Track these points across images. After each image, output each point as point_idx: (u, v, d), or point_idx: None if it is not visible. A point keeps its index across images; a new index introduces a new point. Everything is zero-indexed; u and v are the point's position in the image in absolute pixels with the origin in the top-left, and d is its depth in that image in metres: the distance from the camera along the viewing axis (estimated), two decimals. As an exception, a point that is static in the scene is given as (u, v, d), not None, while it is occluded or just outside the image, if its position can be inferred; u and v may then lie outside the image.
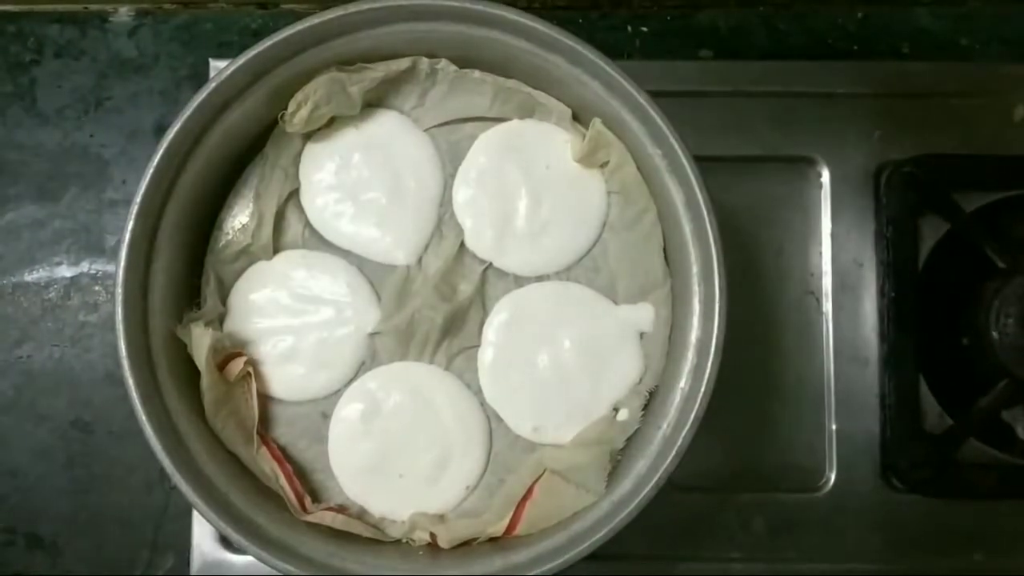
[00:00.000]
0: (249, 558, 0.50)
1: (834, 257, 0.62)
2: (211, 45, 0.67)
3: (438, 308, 0.48)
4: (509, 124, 0.51)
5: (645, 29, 0.66)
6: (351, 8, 0.47)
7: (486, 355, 0.50)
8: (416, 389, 0.49)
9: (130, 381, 0.45)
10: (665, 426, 0.46)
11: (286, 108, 0.49)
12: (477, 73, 0.51)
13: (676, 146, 0.46)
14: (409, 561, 0.47)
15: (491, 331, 0.50)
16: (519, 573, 0.44)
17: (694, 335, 0.47)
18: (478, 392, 0.50)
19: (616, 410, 0.49)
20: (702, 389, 0.45)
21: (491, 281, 0.50)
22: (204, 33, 0.67)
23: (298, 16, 0.47)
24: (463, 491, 0.48)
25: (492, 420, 0.50)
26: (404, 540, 0.48)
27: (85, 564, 0.64)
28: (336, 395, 0.50)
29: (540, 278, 0.50)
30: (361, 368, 0.50)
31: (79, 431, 0.65)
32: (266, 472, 0.48)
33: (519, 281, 0.50)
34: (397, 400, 0.49)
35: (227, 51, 0.67)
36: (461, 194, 0.50)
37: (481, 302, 0.50)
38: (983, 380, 0.59)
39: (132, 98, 0.66)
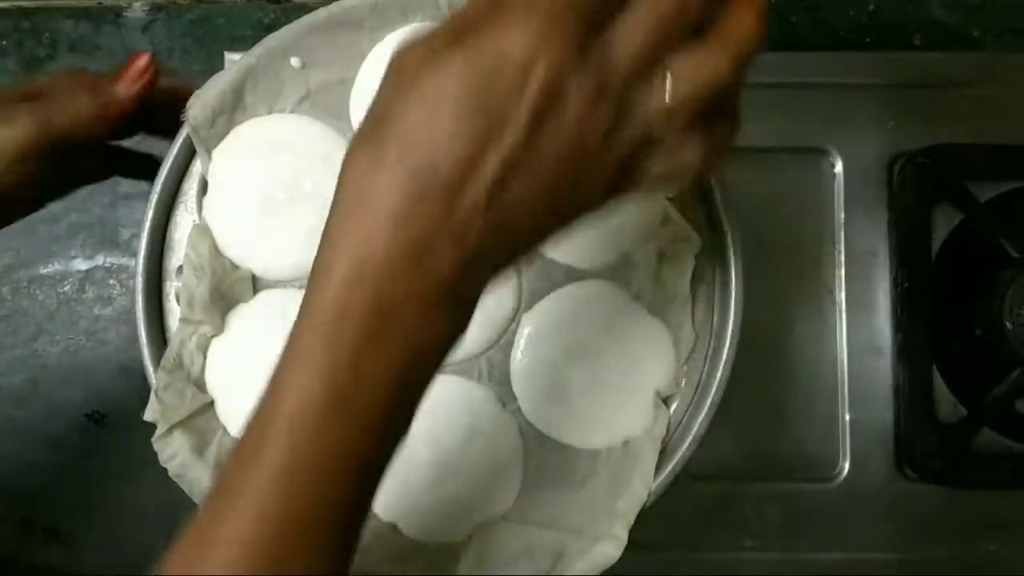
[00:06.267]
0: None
1: (847, 247, 0.62)
2: (224, 40, 0.67)
3: None
4: None
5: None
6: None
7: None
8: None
9: (149, 371, 0.45)
10: (681, 414, 0.46)
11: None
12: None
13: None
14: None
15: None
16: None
17: (710, 322, 0.47)
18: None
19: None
20: (718, 376, 0.45)
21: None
22: (217, 28, 0.68)
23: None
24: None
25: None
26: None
27: (101, 556, 0.64)
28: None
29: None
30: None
31: (94, 424, 0.65)
32: None
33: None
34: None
35: (240, 46, 0.67)
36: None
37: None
38: (997, 370, 0.59)
39: (146, 92, 0.67)
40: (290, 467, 0.30)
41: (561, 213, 0.31)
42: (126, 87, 0.45)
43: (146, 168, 0.49)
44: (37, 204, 0.48)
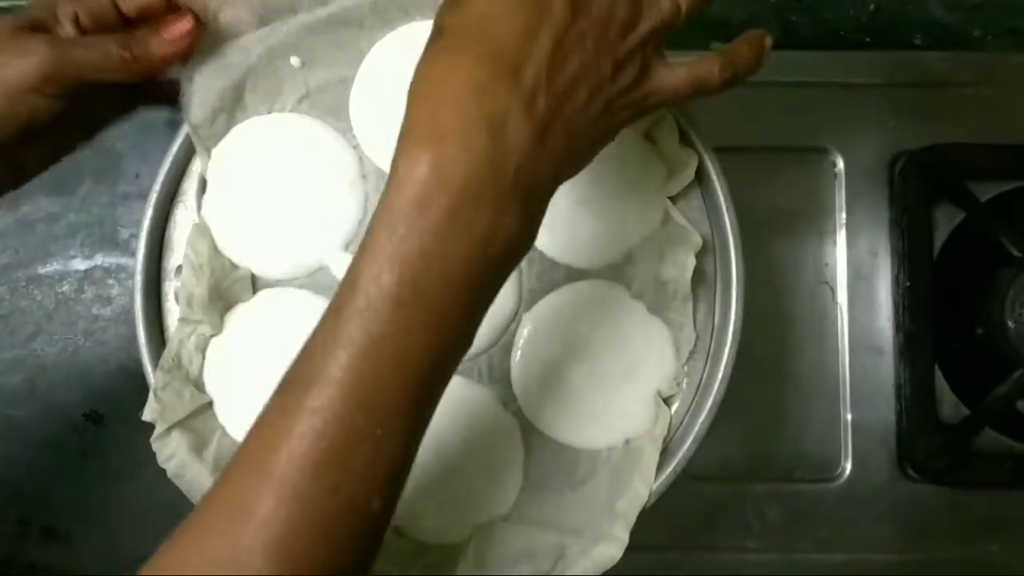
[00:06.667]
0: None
1: (849, 247, 0.62)
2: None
3: None
4: None
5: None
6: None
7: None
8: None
9: (148, 371, 0.45)
10: (682, 414, 0.46)
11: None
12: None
13: (692, 135, 0.46)
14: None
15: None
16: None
17: (711, 322, 0.47)
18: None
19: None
20: (719, 376, 0.45)
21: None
22: (217, 26, 0.67)
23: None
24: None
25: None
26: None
27: (99, 556, 0.64)
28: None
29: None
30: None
31: (93, 424, 0.65)
32: None
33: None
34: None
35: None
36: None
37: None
38: (999, 369, 0.59)
39: (145, 92, 0.67)
40: (365, 350, 0.32)
41: (608, 104, 0.35)
42: (161, 47, 0.42)
43: (169, 94, 0.46)
44: (54, 156, 0.45)
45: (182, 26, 0.42)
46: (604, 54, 0.34)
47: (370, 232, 0.32)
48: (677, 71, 0.37)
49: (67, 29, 0.41)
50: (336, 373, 0.32)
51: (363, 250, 0.32)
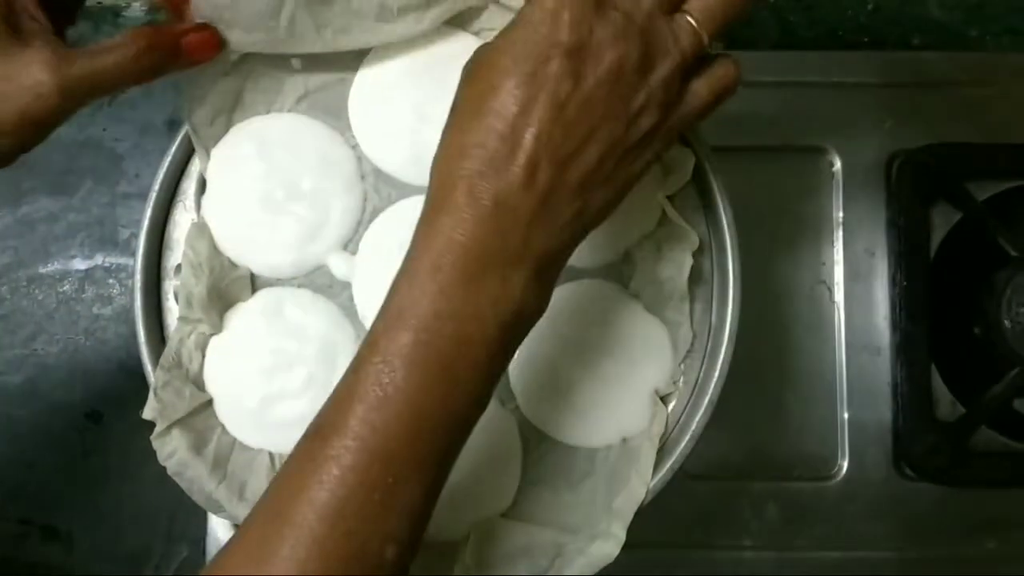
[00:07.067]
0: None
1: (846, 246, 0.62)
2: (223, 39, 0.67)
3: None
4: None
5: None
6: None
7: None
8: None
9: (148, 369, 0.45)
10: (679, 412, 0.46)
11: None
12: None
13: (690, 134, 0.46)
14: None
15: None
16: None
17: (708, 320, 0.47)
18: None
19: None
20: (716, 374, 0.45)
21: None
22: (216, 27, 0.67)
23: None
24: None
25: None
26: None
27: (100, 555, 0.64)
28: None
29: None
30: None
31: (93, 423, 0.65)
32: None
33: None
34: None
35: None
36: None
37: None
38: (995, 368, 0.59)
39: (145, 92, 0.67)
40: (381, 404, 0.34)
41: (626, 155, 0.35)
42: (189, 53, 0.41)
43: None
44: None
45: (208, 37, 0.42)
46: (617, 112, 0.34)
47: (389, 294, 0.35)
48: (699, 93, 0.37)
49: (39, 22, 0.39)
50: (353, 424, 0.33)
51: (382, 310, 0.35)
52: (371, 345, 0.34)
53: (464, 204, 0.34)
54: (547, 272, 0.35)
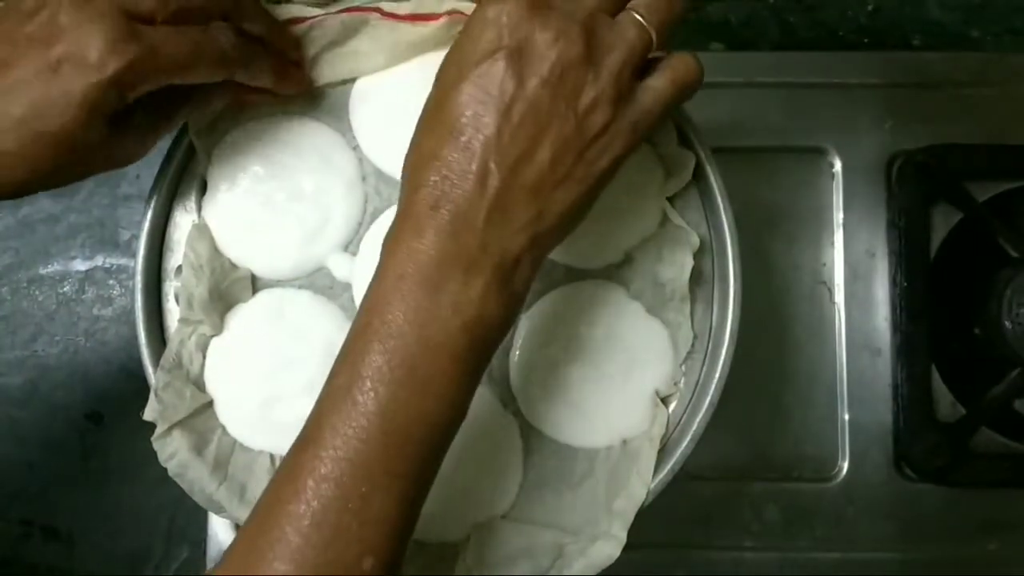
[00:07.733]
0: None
1: (846, 247, 0.62)
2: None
3: None
4: None
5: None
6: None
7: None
8: None
9: (149, 370, 0.45)
10: (680, 413, 0.46)
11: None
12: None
13: (691, 135, 0.46)
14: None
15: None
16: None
17: (709, 322, 0.47)
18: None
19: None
20: (716, 376, 0.45)
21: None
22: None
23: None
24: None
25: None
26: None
27: (100, 556, 0.64)
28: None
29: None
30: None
31: (94, 424, 0.65)
32: None
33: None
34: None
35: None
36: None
37: None
38: (996, 369, 0.59)
39: (146, 93, 0.67)
40: (354, 414, 0.34)
41: (580, 155, 0.35)
42: (283, 85, 0.44)
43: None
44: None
45: (300, 76, 0.45)
46: (564, 110, 0.35)
47: (361, 304, 0.36)
48: (656, 87, 0.37)
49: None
50: (327, 434, 0.34)
51: (354, 321, 0.36)
52: (344, 355, 0.35)
53: (423, 213, 0.35)
54: (511, 277, 0.35)
